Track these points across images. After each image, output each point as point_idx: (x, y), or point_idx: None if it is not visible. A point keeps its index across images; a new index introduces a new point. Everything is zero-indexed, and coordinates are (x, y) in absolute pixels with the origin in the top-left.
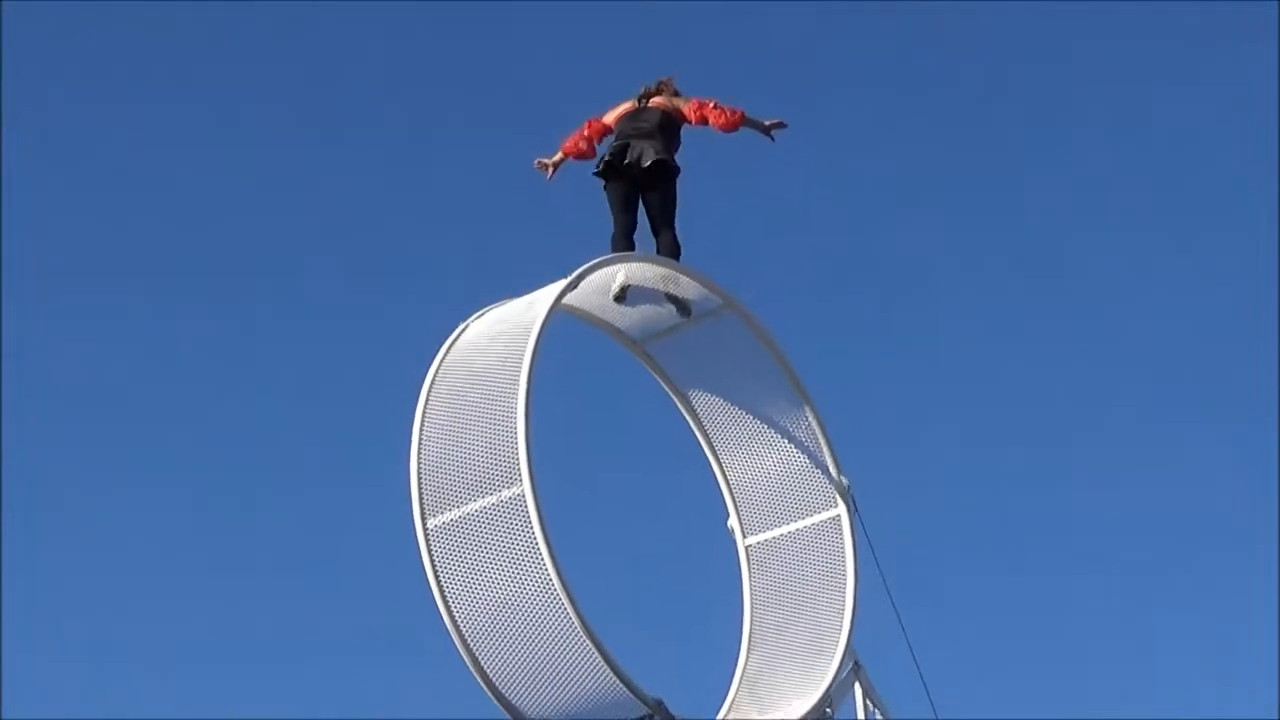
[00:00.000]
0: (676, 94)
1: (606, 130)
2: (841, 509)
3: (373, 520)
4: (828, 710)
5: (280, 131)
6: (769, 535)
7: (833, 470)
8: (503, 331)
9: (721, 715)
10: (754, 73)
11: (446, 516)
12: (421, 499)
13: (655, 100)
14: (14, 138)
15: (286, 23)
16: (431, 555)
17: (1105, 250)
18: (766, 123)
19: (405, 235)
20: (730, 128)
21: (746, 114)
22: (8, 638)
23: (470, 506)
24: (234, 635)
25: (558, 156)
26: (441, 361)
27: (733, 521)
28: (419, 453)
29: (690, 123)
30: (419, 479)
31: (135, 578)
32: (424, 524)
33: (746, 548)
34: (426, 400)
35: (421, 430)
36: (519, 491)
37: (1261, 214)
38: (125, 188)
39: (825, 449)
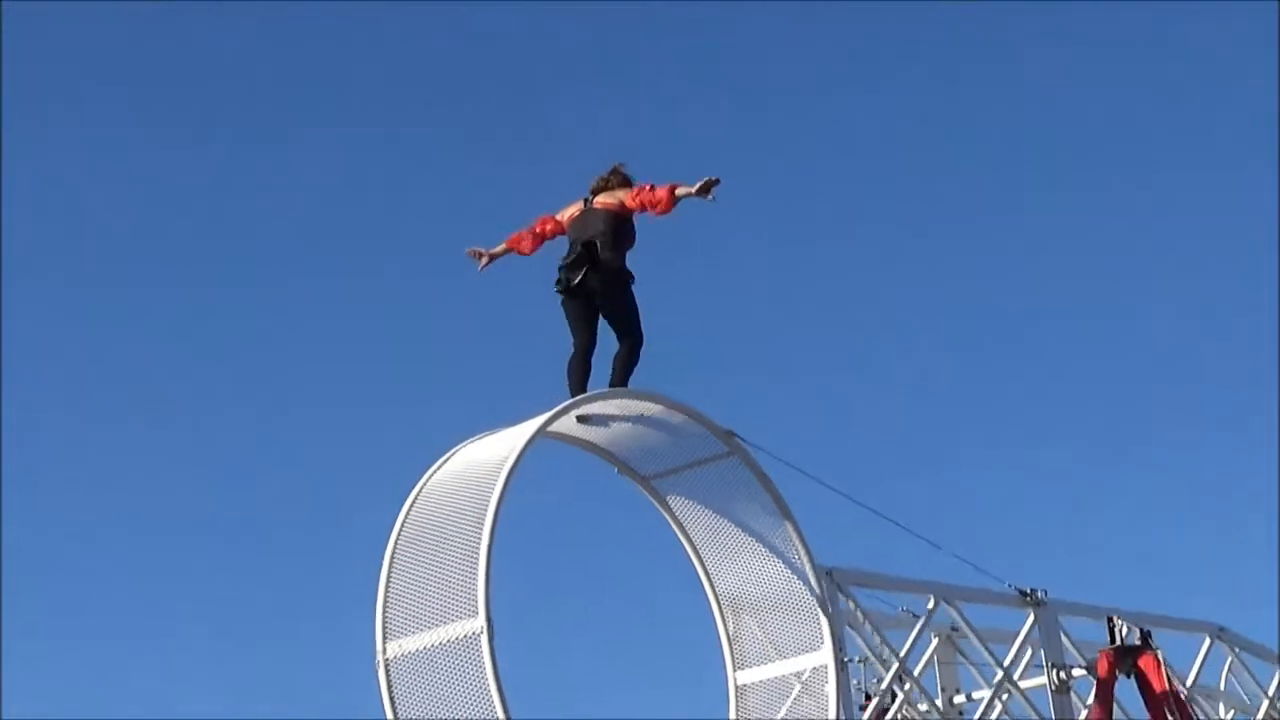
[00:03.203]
0: (627, 181)
1: (560, 229)
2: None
3: None
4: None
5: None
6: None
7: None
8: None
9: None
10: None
11: None
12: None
13: (600, 199)
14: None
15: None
16: None
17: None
18: (695, 188)
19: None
20: (664, 208)
21: (674, 187)
22: (8, 638)
23: None
24: (233, 635)
25: (499, 248)
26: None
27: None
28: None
29: (635, 212)
30: None
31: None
32: None
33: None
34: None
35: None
36: None
37: None
38: None
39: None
